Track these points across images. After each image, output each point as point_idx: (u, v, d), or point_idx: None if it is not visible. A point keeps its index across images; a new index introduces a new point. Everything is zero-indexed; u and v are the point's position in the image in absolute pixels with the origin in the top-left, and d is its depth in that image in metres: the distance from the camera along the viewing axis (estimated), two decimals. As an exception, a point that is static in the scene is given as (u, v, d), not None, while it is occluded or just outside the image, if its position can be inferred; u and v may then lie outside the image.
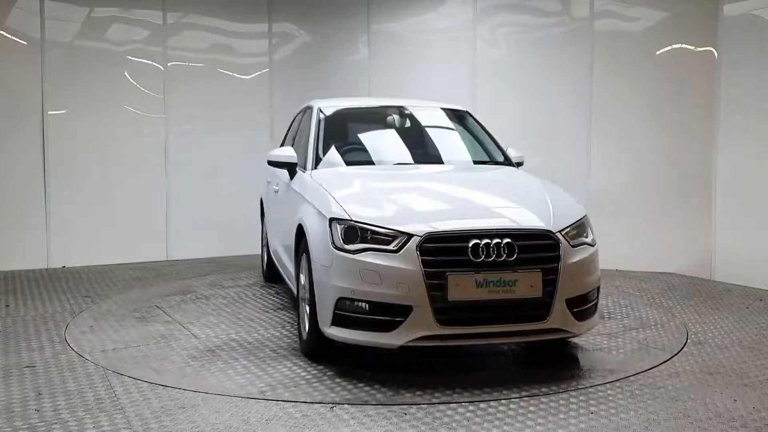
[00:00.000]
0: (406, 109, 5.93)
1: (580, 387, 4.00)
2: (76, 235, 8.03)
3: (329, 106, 5.90)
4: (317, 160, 5.24)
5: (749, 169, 6.86)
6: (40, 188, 7.90)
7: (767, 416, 3.58)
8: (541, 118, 8.13)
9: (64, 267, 7.92)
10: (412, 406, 3.70)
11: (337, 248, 4.09)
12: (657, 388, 3.99)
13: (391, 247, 3.97)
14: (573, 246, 4.17)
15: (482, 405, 3.72)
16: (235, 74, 9.01)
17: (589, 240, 4.36)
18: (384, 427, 3.43)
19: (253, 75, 9.13)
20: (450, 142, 5.80)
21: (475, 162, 5.53)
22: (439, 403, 3.74)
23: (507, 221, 4.15)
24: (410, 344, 3.95)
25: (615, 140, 7.82)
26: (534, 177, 5.07)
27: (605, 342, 4.91)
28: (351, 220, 4.12)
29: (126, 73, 8.34)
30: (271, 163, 5.48)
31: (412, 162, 5.40)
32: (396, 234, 3.99)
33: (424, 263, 3.90)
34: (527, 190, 4.76)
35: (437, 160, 5.47)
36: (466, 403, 3.74)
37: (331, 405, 3.71)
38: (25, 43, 7.85)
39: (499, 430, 3.40)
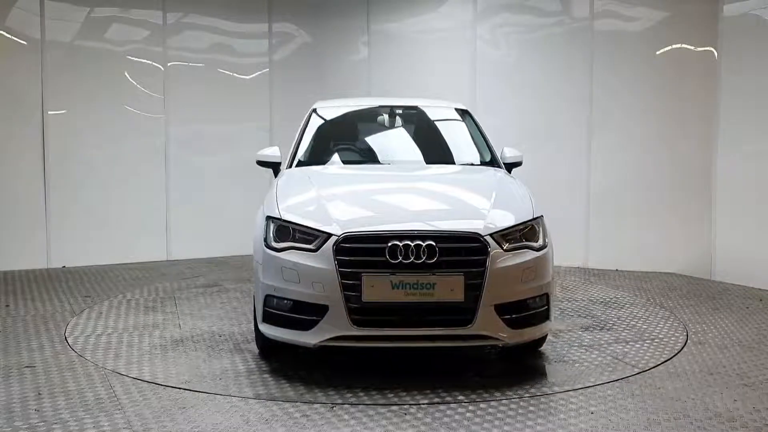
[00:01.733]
0: (400, 109, 5.90)
1: (579, 387, 4.00)
2: (76, 235, 8.02)
3: (324, 106, 5.96)
4: (294, 160, 5.34)
5: (749, 169, 6.86)
6: (40, 188, 7.90)
7: (767, 416, 3.59)
8: (541, 118, 8.13)
9: (64, 267, 7.92)
10: (413, 406, 3.70)
11: (267, 246, 4.17)
12: (657, 388, 3.99)
13: (311, 246, 3.99)
14: (507, 250, 3.99)
15: (482, 405, 3.72)
16: (235, 74, 9.01)
17: (535, 244, 4.16)
18: (384, 427, 3.43)
19: (253, 75, 9.13)
20: (433, 142, 5.69)
21: (454, 162, 5.37)
22: (439, 403, 3.74)
23: (434, 223, 4.06)
24: (326, 344, 3.97)
25: (615, 140, 7.82)
26: (498, 177, 4.89)
27: (575, 352, 4.70)
28: (281, 219, 4.18)
29: (126, 73, 8.34)
30: (258, 162, 5.51)
31: (384, 162, 5.37)
32: (317, 233, 4.00)
33: (340, 263, 3.88)
34: (478, 191, 4.62)
35: (412, 160, 5.40)
36: (466, 403, 3.74)
37: (331, 405, 3.71)
38: (25, 43, 7.85)
39: (499, 430, 3.40)
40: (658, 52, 7.59)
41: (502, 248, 3.98)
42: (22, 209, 7.85)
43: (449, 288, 3.86)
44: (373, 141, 5.75)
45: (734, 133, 6.96)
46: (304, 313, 3.98)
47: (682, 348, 4.80)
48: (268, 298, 4.13)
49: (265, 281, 4.15)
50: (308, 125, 5.65)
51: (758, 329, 5.30)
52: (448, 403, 3.74)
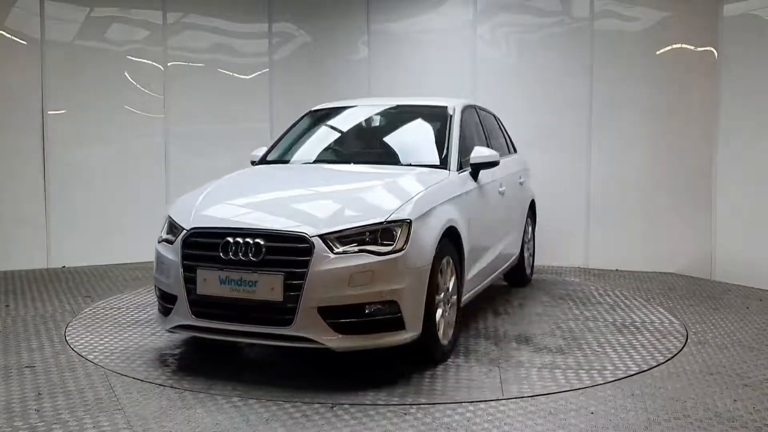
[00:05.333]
0: (384, 109, 5.95)
1: (579, 387, 4.00)
2: (76, 235, 8.02)
3: (318, 108, 6.12)
4: (263, 159, 5.65)
5: (749, 169, 6.86)
6: (39, 188, 7.90)
7: (767, 416, 3.59)
8: (541, 118, 8.13)
9: (64, 267, 7.92)
10: (412, 406, 3.70)
11: (158, 240, 4.50)
12: (657, 388, 3.99)
13: (173, 239, 4.29)
14: (339, 252, 3.90)
15: (482, 405, 3.72)
16: (235, 74, 9.01)
17: (381, 249, 3.96)
18: (384, 427, 3.43)
19: (253, 75, 9.12)
20: (392, 143, 5.66)
21: (396, 163, 5.22)
22: (438, 404, 3.74)
23: (269, 222, 4.09)
24: (175, 331, 4.33)
25: (615, 140, 7.83)
26: (395, 176, 4.73)
27: (461, 370, 4.32)
28: (168, 215, 4.50)
29: (126, 73, 8.33)
30: (252, 162, 5.72)
31: (328, 161, 5.47)
32: (178, 228, 4.28)
33: (184, 256, 4.14)
34: (349, 192, 4.53)
35: (356, 160, 5.37)
36: (466, 403, 3.74)
37: (332, 405, 3.71)
38: (25, 43, 7.84)
39: (499, 430, 3.40)
40: (658, 52, 7.59)
41: (332, 250, 3.90)
42: (22, 209, 7.84)
43: (270, 287, 3.90)
44: (335, 142, 5.81)
45: (734, 132, 6.96)
46: (165, 301, 4.34)
47: (682, 348, 4.80)
48: (156, 288, 4.51)
49: (153, 272, 4.53)
50: (294, 126, 5.92)
51: (758, 329, 5.30)
52: (448, 403, 3.74)
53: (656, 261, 7.63)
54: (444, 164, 5.06)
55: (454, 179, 4.93)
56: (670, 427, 3.43)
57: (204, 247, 4.11)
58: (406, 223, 4.07)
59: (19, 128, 7.83)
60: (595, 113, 7.89)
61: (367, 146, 5.74)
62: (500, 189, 5.81)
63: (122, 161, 8.30)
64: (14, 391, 3.91)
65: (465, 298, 4.96)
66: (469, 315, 5.57)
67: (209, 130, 8.84)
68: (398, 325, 4.01)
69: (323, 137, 5.88)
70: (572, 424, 3.46)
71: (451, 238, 4.53)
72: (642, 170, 7.71)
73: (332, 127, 5.96)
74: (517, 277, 6.81)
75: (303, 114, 6.11)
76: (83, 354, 4.64)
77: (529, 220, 7.01)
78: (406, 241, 4.03)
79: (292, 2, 9.26)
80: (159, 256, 4.39)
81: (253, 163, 5.69)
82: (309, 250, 3.89)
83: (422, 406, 3.70)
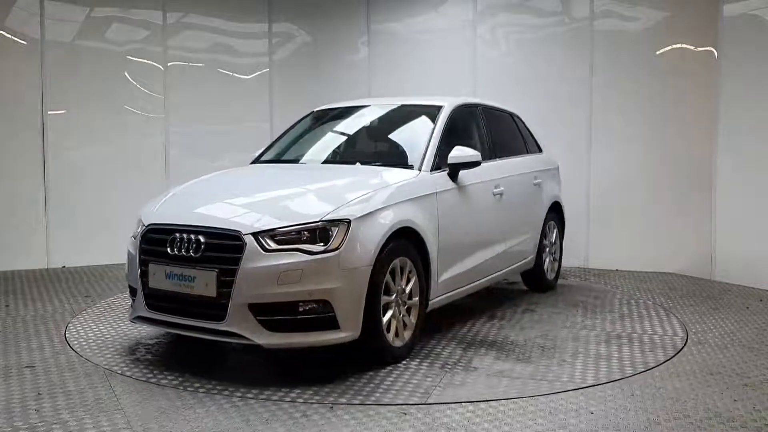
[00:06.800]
0: (382, 108, 5.96)
1: (580, 387, 4.00)
2: (76, 235, 8.02)
3: (318, 109, 6.17)
4: (257, 159, 5.77)
5: (749, 169, 6.86)
6: (40, 188, 7.90)
7: (767, 416, 3.59)
8: (541, 118, 8.10)
9: (64, 267, 7.92)
10: (412, 406, 3.70)
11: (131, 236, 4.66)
12: (657, 388, 3.99)
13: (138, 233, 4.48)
14: (272, 250, 3.93)
15: (482, 405, 3.72)
16: (235, 74, 9.01)
17: (314, 248, 3.95)
18: (384, 427, 3.43)
19: (253, 75, 9.13)
20: (374, 143, 5.71)
21: (369, 163, 5.20)
22: (438, 403, 3.74)
23: (210, 220, 4.21)
24: (135, 322, 4.50)
25: (615, 140, 7.83)
26: (352, 175, 4.80)
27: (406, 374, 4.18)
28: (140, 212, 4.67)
29: (126, 73, 8.34)
30: (252, 163, 5.79)
31: (313, 162, 5.49)
32: (141, 224, 4.49)
33: (141, 251, 4.36)
34: (298, 192, 4.55)
35: (337, 160, 5.48)
36: (466, 403, 3.73)
37: (331, 405, 3.71)
38: (25, 43, 7.85)
39: (498, 430, 3.40)
40: (658, 52, 7.59)
41: (264, 248, 3.93)
42: (22, 209, 7.85)
43: (205, 282, 4.02)
44: (322, 142, 5.84)
45: (734, 132, 6.96)
46: (131, 294, 4.56)
47: (682, 348, 4.80)
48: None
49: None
50: (294, 126, 6.00)
51: (759, 329, 5.30)
52: (448, 403, 3.74)
53: (656, 261, 7.63)
54: (414, 164, 4.95)
55: (424, 179, 4.80)
56: (670, 427, 3.43)
57: (156, 242, 4.29)
58: (344, 223, 4.05)
59: (19, 128, 7.83)
60: (594, 113, 7.89)
61: (350, 147, 5.73)
62: (495, 190, 5.60)
63: (122, 161, 8.31)
64: (14, 391, 3.91)
65: (438, 299, 4.83)
66: (461, 318, 5.56)
67: (209, 130, 8.85)
68: (331, 324, 4.00)
69: (315, 137, 5.91)
70: (572, 424, 3.46)
71: (410, 238, 4.46)
72: (642, 170, 7.71)
73: (325, 128, 5.98)
74: (536, 281, 6.59)
75: (306, 114, 6.15)
76: (83, 354, 4.64)
77: (552, 223, 6.78)
78: (343, 241, 4.01)
79: (292, 2, 9.27)
80: (128, 252, 4.60)
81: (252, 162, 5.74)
82: (241, 247, 3.95)
83: (422, 406, 3.70)
